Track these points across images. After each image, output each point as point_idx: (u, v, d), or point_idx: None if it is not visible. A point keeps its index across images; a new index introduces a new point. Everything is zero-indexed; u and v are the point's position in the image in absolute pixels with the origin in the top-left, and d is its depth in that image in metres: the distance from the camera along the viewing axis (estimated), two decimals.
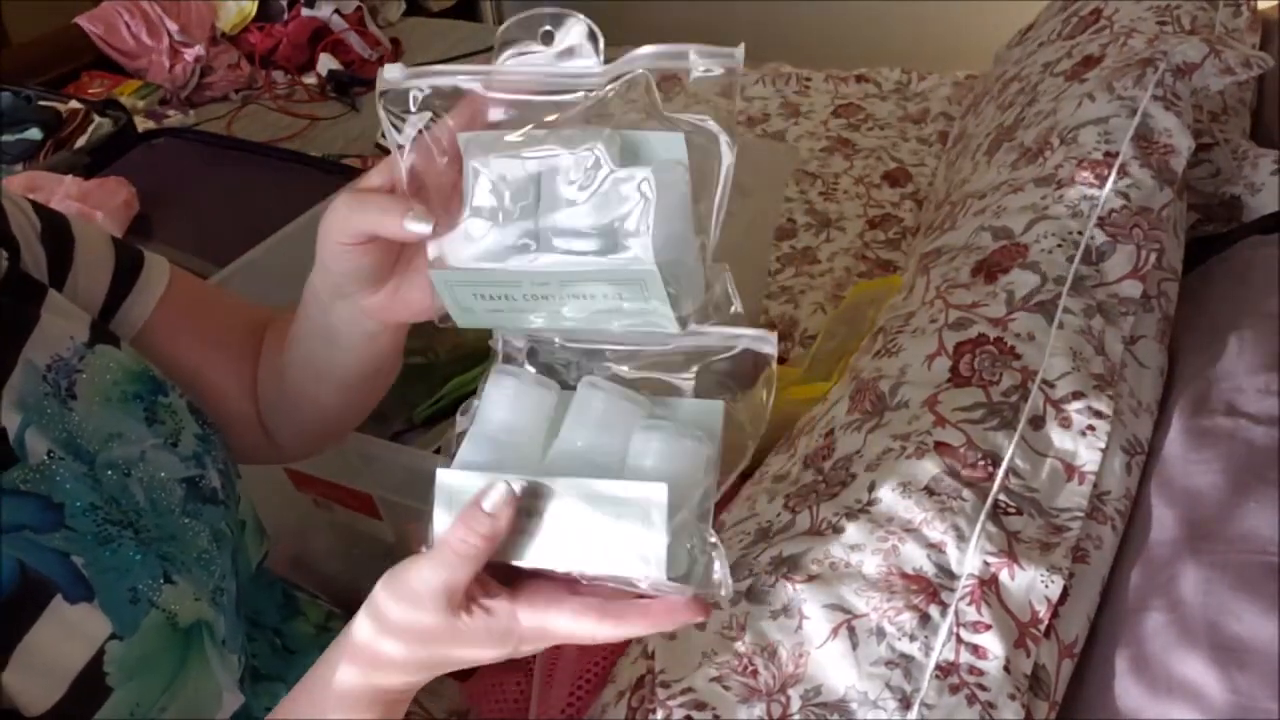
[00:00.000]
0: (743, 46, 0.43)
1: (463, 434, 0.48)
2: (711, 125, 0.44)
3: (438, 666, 0.46)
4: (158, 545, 0.52)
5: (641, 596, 0.44)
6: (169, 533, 0.54)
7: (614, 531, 0.42)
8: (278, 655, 0.69)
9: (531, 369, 0.49)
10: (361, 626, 0.46)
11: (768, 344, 0.46)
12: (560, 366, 0.49)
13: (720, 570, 0.43)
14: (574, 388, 0.47)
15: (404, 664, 0.45)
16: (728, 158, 0.44)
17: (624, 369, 0.49)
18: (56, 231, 0.59)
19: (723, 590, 0.43)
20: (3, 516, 0.46)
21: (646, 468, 0.44)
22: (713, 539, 0.43)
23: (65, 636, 0.46)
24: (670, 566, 0.41)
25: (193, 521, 0.55)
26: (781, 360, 1.25)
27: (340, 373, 0.60)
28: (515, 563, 0.44)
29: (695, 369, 0.48)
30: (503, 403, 0.47)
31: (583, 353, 0.49)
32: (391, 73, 0.46)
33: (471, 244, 0.46)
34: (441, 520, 0.45)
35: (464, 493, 0.44)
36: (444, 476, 0.45)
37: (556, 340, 0.49)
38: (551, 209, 0.44)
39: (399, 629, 0.44)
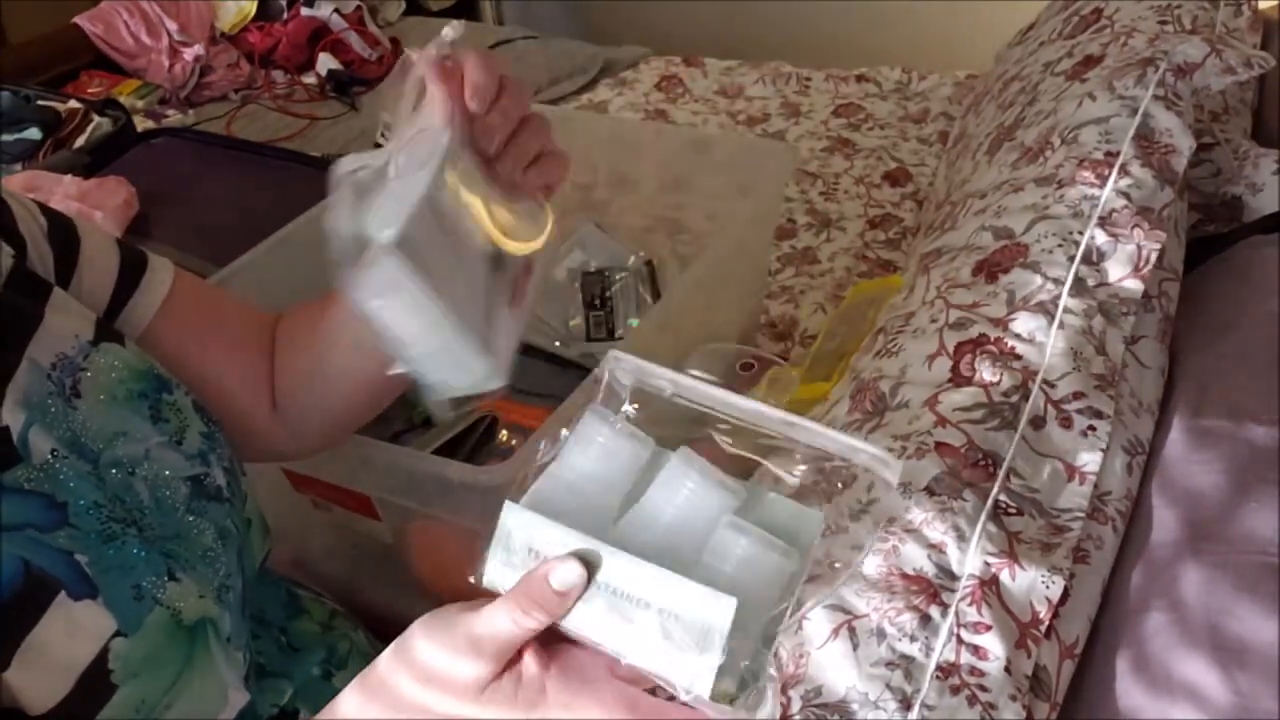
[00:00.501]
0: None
1: (541, 467, 0.45)
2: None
3: None
4: (162, 543, 0.52)
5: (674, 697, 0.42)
6: (174, 531, 0.54)
7: (670, 631, 0.40)
8: (283, 652, 0.69)
9: (629, 413, 0.47)
10: (389, 666, 0.44)
11: (890, 469, 0.43)
12: (664, 421, 0.47)
13: (769, 706, 0.41)
14: (670, 447, 0.45)
15: (425, 714, 0.43)
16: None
17: (729, 441, 0.46)
18: (62, 231, 0.59)
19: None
20: (6, 515, 0.46)
21: (724, 573, 0.41)
22: (771, 670, 0.41)
23: (69, 634, 0.46)
24: (716, 685, 0.39)
25: (197, 520, 0.55)
26: (781, 360, 1.25)
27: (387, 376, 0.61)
28: (562, 624, 0.42)
29: (803, 468, 0.45)
30: (590, 450, 0.44)
31: (693, 414, 0.46)
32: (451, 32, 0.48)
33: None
34: (496, 559, 0.42)
35: (525, 536, 0.42)
36: (510, 513, 0.42)
37: (668, 390, 0.47)
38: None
39: (432, 676, 0.42)
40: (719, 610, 0.39)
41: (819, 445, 0.44)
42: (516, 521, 0.42)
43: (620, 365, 0.46)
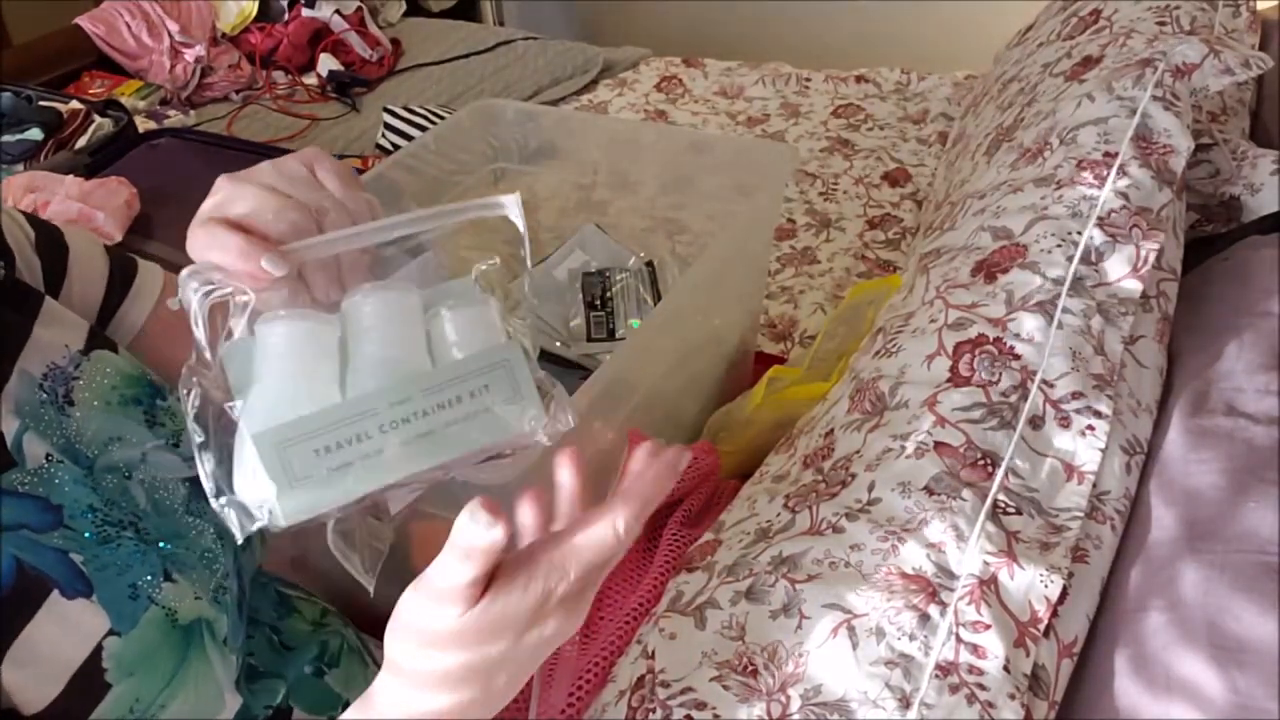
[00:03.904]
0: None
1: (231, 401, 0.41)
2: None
3: (486, 669, 0.42)
4: (160, 544, 0.53)
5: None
6: (172, 532, 0.54)
7: (487, 404, 0.42)
8: (275, 652, 0.69)
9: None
10: (393, 644, 0.43)
11: (498, 207, 0.47)
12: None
13: (562, 407, 0.45)
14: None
15: (446, 672, 0.42)
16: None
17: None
18: (50, 240, 0.59)
19: (569, 420, 0.44)
20: (2, 516, 0.47)
21: (455, 342, 0.44)
22: (549, 382, 0.45)
23: (63, 632, 0.46)
24: (540, 415, 0.43)
25: (196, 520, 0.56)
26: (781, 360, 1.25)
27: None
28: (397, 479, 0.41)
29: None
30: (279, 348, 0.41)
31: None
32: None
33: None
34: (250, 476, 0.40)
35: (285, 441, 0.39)
36: (260, 439, 0.39)
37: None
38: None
39: (431, 636, 0.41)
40: (510, 354, 0.43)
41: (444, 223, 0.46)
42: (268, 440, 0.39)
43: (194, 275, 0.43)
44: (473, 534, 0.38)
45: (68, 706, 0.46)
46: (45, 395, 0.52)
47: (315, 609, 0.77)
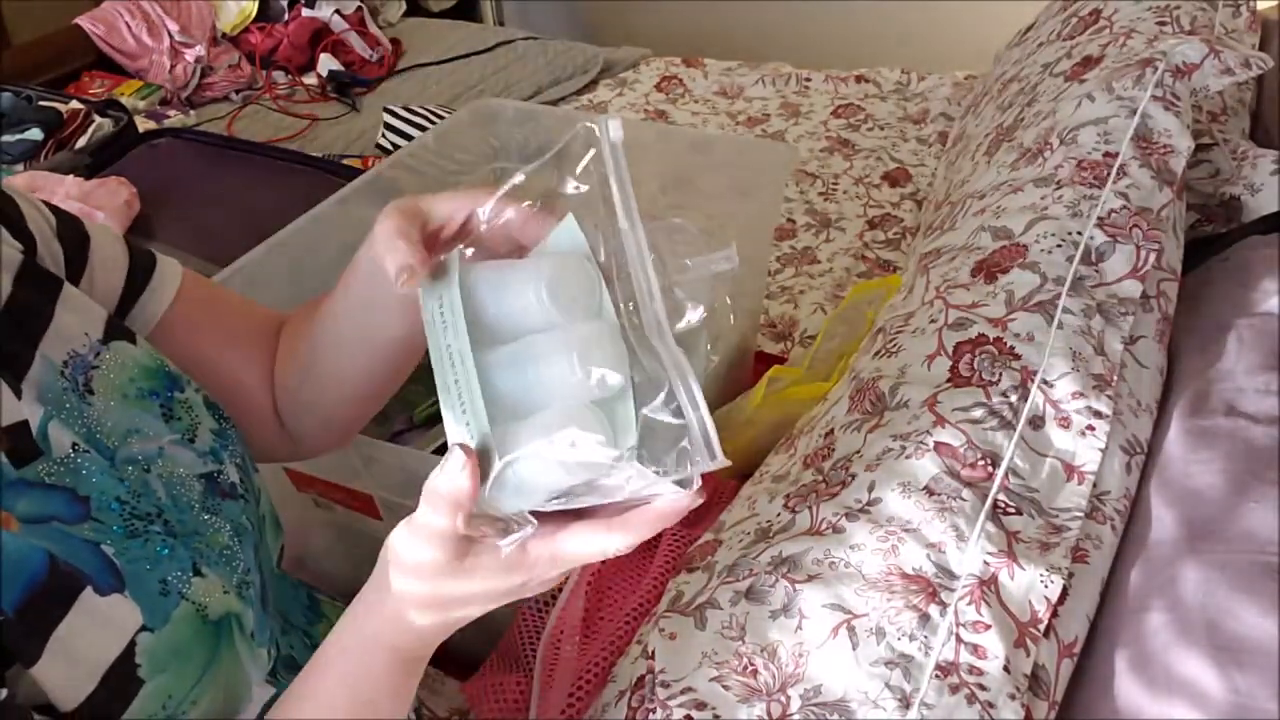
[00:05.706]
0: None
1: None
2: None
3: (450, 605, 0.46)
4: (185, 539, 0.53)
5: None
6: (191, 529, 0.54)
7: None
8: (310, 653, 0.69)
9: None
10: (376, 581, 0.47)
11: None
12: None
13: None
14: None
15: (418, 598, 0.45)
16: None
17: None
18: (72, 229, 0.59)
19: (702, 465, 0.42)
20: (29, 508, 0.46)
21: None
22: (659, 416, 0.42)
23: (97, 628, 0.46)
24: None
25: (213, 518, 0.56)
26: (781, 360, 1.25)
27: (377, 346, 0.61)
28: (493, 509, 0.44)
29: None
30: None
31: None
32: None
33: None
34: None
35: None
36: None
37: None
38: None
39: (410, 567, 0.45)
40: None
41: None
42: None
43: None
44: (447, 482, 0.42)
45: (103, 702, 0.46)
46: (66, 383, 0.52)
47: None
